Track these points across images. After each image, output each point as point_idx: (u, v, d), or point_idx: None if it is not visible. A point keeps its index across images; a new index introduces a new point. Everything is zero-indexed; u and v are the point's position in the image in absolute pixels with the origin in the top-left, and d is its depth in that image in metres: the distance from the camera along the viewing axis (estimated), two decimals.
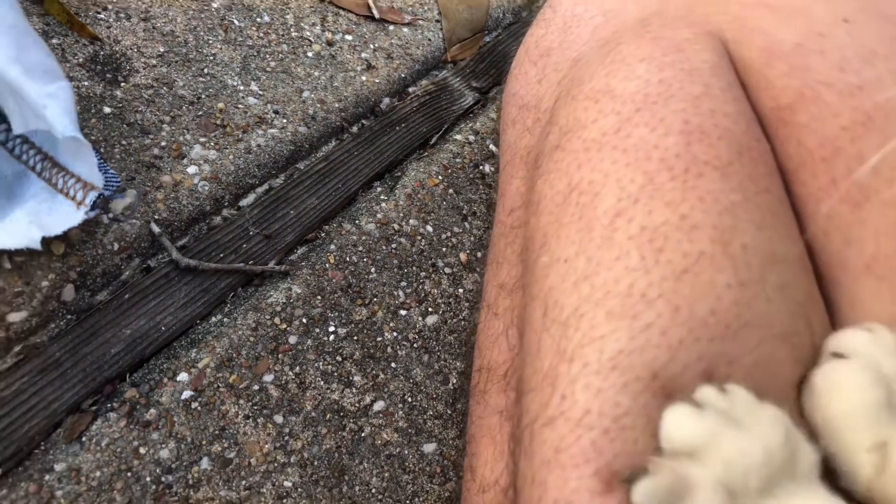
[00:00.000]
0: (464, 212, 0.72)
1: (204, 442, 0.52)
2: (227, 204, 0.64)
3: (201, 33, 0.71)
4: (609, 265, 0.40)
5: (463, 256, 0.69)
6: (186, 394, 0.53)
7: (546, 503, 0.35)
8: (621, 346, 0.36)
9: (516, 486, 0.42)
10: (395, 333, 0.62)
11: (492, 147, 0.78)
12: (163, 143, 0.63)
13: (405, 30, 0.84)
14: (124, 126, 0.62)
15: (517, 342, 0.53)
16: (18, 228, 0.49)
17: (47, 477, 0.47)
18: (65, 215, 0.51)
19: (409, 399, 0.60)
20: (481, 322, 0.60)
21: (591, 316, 0.39)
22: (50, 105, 0.49)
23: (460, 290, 0.67)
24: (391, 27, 0.83)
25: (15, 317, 0.52)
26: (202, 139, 0.65)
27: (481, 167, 0.76)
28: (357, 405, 0.57)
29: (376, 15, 0.81)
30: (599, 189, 0.45)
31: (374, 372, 0.59)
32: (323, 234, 0.66)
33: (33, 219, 0.50)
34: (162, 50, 0.68)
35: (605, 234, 0.42)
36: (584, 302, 0.39)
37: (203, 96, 0.67)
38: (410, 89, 0.81)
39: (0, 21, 0.50)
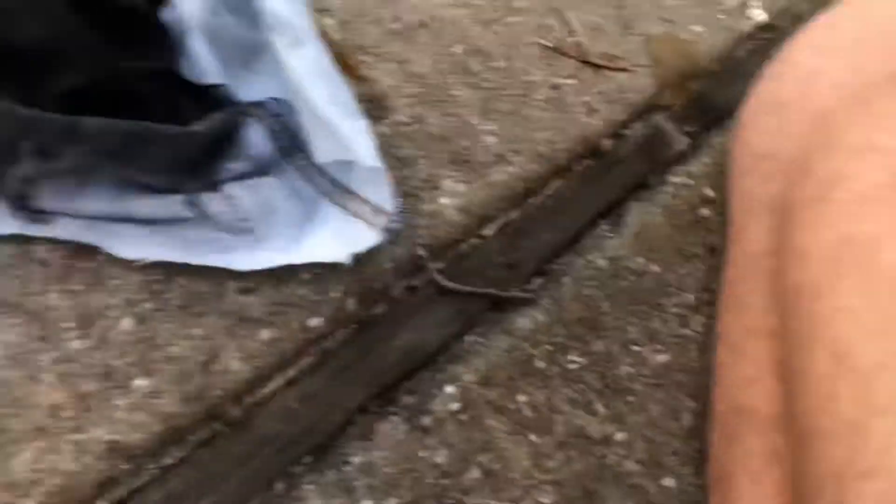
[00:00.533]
0: (686, 254, 0.80)
1: (472, 452, 0.61)
2: (473, 234, 0.74)
3: (447, 76, 0.83)
4: None
5: (689, 297, 0.77)
6: (454, 405, 0.63)
7: None
8: None
9: None
10: (630, 368, 0.70)
11: (708, 191, 0.86)
12: (421, 176, 0.75)
13: (621, 76, 0.93)
14: (390, 159, 0.74)
15: (780, 387, 0.59)
16: (328, 245, 0.61)
17: (347, 468, 0.58)
18: (362, 236, 0.62)
19: (647, 433, 0.67)
20: (723, 364, 0.67)
21: None
22: (357, 139, 0.61)
23: (687, 331, 0.75)
24: (609, 73, 0.93)
25: (313, 322, 0.63)
26: (453, 173, 0.76)
27: (698, 210, 0.84)
28: (601, 433, 0.66)
29: (597, 62, 0.91)
30: (880, 241, 0.50)
31: (613, 403, 0.68)
32: (556, 267, 0.75)
33: (339, 238, 0.61)
34: (416, 91, 0.80)
35: (894, 288, 0.47)
36: (886, 355, 0.43)
37: (451, 134, 0.79)
38: (627, 132, 0.90)
39: (317, 67, 0.62)
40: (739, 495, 0.57)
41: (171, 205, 0.59)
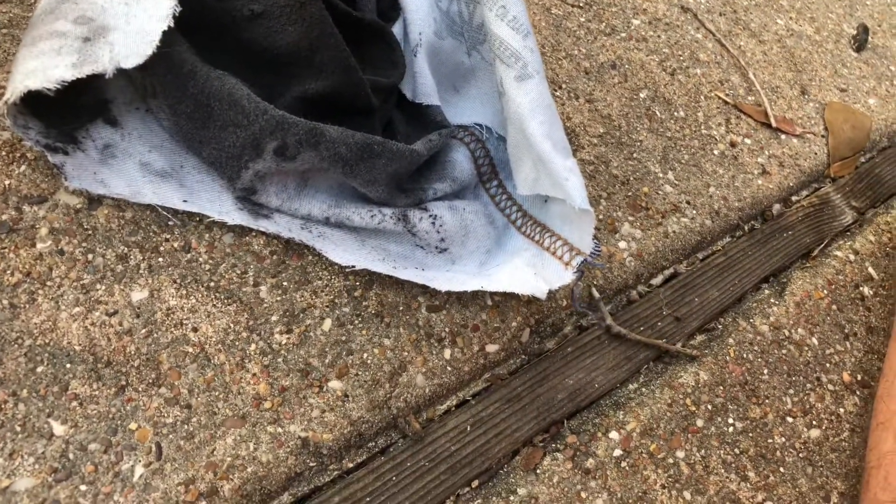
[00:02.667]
0: (846, 331, 0.72)
1: (630, 500, 0.56)
2: (643, 281, 0.69)
3: (632, 119, 0.77)
4: None
5: (846, 376, 0.69)
6: (617, 452, 0.57)
7: None
8: None
9: None
10: (783, 439, 0.63)
11: (871, 270, 0.78)
12: (601, 216, 0.69)
13: (795, 140, 0.85)
14: None
15: None
16: (525, 276, 0.56)
17: (512, 498, 0.53)
18: (556, 273, 0.57)
19: None
20: (887, 453, 0.60)
21: None
22: (570, 179, 0.56)
23: (842, 410, 0.67)
24: (783, 136, 0.85)
25: (491, 348, 0.59)
26: (630, 218, 0.70)
27: (861, 288, 0.76)
28: (750, 500, 0.59)
29: (773, 124, 0.84)
30: None
31: (765, 472, 0.61)
32: (720, 326, 0.69)
33: (537, 270, 0.57)
34: (601, 131, 0.75)
35: None
36: None
37: (631, 178, 0.73)
38: (794, 198, 0.82)
39: (540, 101, 0.57)
40: None
41: (383, 217, 0.56)
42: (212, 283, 0.52)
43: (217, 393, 0.49)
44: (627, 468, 0.57)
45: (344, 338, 0.54)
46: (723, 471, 0.60)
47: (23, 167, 0.51)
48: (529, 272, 0.57)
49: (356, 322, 0.55)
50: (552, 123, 0.57)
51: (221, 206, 0.54)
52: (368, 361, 0.54)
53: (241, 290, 0.53)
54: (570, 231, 0.58)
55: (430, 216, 0.57)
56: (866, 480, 0.61)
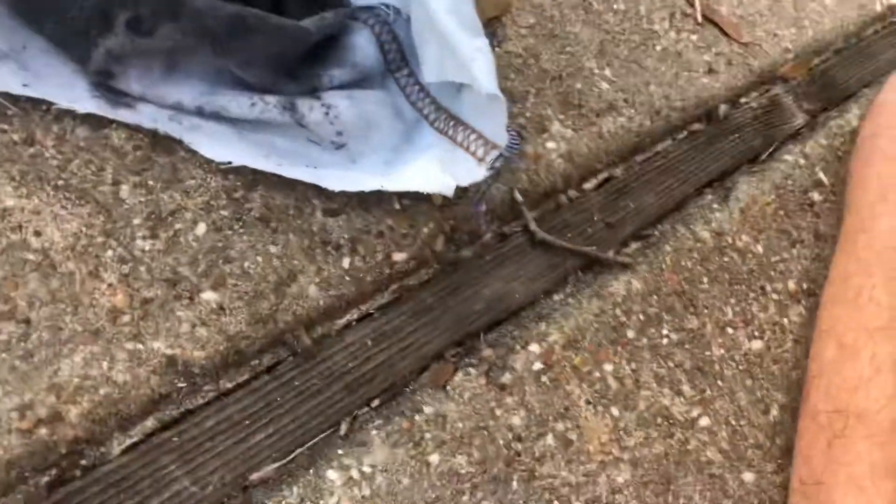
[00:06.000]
0: (792, 237, 0.67)
1: (550, 418, 0.50)
2: (574, 185, 0.62)
3: (566, 10, 0.69)
4: None
5: (791, 285, 0.64)
6: (537, 365, 0.52)
7: None
8: None
9: None
10: (722, 351, 0.58)
11: (821, 175, 0.72)
12: (528, 114, 0.62)
13: (745, 37, 0.78)
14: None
15: None
16: (431, 174, 0.49)
17: (417, 417, 0.47)
18: (467, 169, 0.50)
19: (733, 422, 0.56)
20: (828, 362, 0.55)
21: None
22: (478, 59, 0.48)
23: (785, 320, 0.62)
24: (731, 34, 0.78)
25: (398, 256, 0.52)
26: (561, 116, 0.63)
27: (810, 194, 0.70)
28: (685, 416, 0.54)
29: (698, 18, 0.76)
30: None
31: (701, 386, 0.56)
32: (657, 233, 0.63)
33: (445, 167, 0.49)
34: (531, 21, 0.67)
35: None
36: None
37: (564, 74, 0.65)
38: (743, 99, 0.75)
39: None
40: (837, 501, 0.47)
41: (265, 106, 0.48)
42: (60, 182, 0.44)
43: (64, 306, 0.41)
44: (548, 383, 0.51)
45: (221, 244, 0.47)
46: (655, 385, 0.54)
47: None
48: (437, 169, 0.49)
49: (236, 227, 0.47)
50: None
51: (72, 93, 0.46)
52: (250, 271, 0.47)
53: (97, 190, 0.45)
54: (484, 123, 0.51)
55: (324, 105, 0.49)
56: (807, 391, 0.56)
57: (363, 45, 0.53)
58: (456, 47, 0.48)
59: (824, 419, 0.52)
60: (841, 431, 0.50)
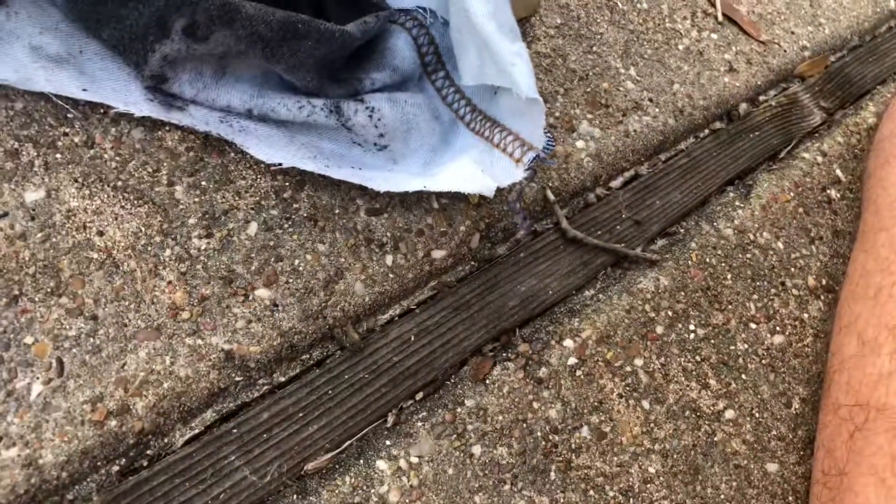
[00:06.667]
0: (811, 234, 0.68)
1: (585, 411, 0.52)
2: (601, 183, 0.63)
3: (591, 10, 0.70)
4: None
5: (811, 281, 0.65)
6: (572, 360, 0.53)
7: None
8: None
9: None
10: (745, 346, 0.59)
11: (838, 172, 0.73)
12: (557, 114, 0.63)
13: (763, 36, 0.79)
14: None
15: None
16: (471, 174, 0.50)
17: (459, 410, 0.49)
18: (505, 170, 0.51)
19: (757, 414, 0.57)
20: (849, 357, 0.57)
21: None
22: (517, 64, 0.49)
23: (805, 315, 0.63)
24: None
25: (437, 254, 0.53)
26: (589, 115, 0.64)
27: (828, 191, 0.71)
28: (711, 408, 0.56)
29: (719, 17, 0.77)
30: None
31: (727, 379, 0.57)
32: (682, 230, 0.64)
33: (485, 168, 0.50)
34: (559, 21, 0.67)
35: None
36: None
37: (590, 73, 0.66)
38: (762, 98, 0.76)
39: None
40: (857, 493, 0.48)
41: (312, 108, 0.49)
42: (119, 183, 0.45)
43: (127, 303, 0.43)
44: (582, 377, 0.53)
45: (272, 243, 0.48)
46: (683, 379, 0.56)
47: None
48: (476, 170, 0.50)
49: (286, 226, 0.48)
50: (498, 2, 0.49)
51: (128, 97, 0.47)
52: (300, 268, 0.48)
53: (154, 191, 0.46)
54: (521, 125, 0.52)
55: (367, 108, 0.50)
56: (827, 386, 0.57)
57: (401, 48, 0.54)
58: (496, 52, 0.49)
59: (846, 412, 0.54)
60: (862, 424, 0.52)
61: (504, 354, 0.52)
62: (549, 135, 0.53)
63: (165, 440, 0.41)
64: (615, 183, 0.64)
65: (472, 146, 0.53)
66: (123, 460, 0.40)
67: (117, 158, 0.46)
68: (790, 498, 0.55)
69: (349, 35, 0.49)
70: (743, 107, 0.74)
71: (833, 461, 0.53)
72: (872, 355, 0.55)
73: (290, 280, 0.47)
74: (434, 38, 0.57)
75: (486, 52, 0.50)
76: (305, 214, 0.49)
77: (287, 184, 0.50)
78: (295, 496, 0.42)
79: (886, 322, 0.55)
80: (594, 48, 0.68)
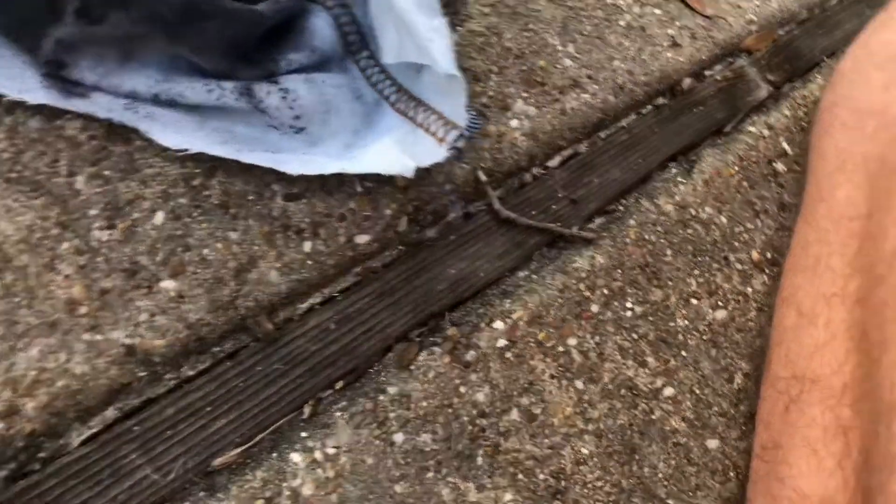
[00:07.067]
0: (756, 208, 0.66)
1: (515, 393, 0.50)
2: (538, 162, 0.61)
3: None
4: None
5: (754, 255, 0.63)
6: (501, 342, 0.51)
7: None
8: None
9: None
10: (686, 322, 0.58)
11: (785, 145, 0.71)
12: (490, 93, 0.60)
13: (709, 10, 0.77)
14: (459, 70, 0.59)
15: (858, 357, 0.47)
16: (391, 155, 0.48)
17: (381, 398, 0.47)
18: (428, 150, 0.49)
19: (697, 391, 0.55)
20: (788, 328, 0.55)
21: None
22: (435, 40, 0.47)
23: (749, 290, 0.61)
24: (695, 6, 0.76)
25: (361, 239, 0.51)
26: (524, 94, 0.62)
27: (774, 164, 0.69)
28: (649, 387, 0.54)
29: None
30: None
31: (665, 357, 0.55)
32: (622, 208, 0.62)
33: (405, 148, 0.48)
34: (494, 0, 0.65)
35: None
36: None
37: (527, 51, 0.64)
38: (707, 72, 0.74)
39: None
40: (792, 465, 0.47)
41: (222, 91, 0.46)
42: (13, 175, 0.43)
43: (19, 299, 0.40)
44: (512, 359, 0.51)
45: (180, 232, 0.45)
46: (619, 357, 0.54)
47: None
48: (396, 150, 0.48)
49: (195, 214, 0.46)
50: None
51: (23, 84, 0.44)
52: (210, 258, 0.46)
53: (51, 182, 0.44)
54: (444, 104, 0.50)
55: (281, 90, 0.48)
56: (769, 358, 0.55)
57: (321, 28, 0.52)
58: (413, 28, 0.47)
59: (783, 385, 0.52)
60: (798, 396, 0.50)
61: (431, 339, 0.50)
62: (472, 113, 0.50)
63: (60, 441, 0.39)
64: (553, 162, 0.62)
65: (396, 127, 0.51)
66: (13, 464, 0.38)
67: (11, 149, 0.43)
68: (731, 474, 0.53)
69: (259, 15, 0.46)
70: (687, 82, 0.71)
71: (770, 435, 0.51)
72: (810, 326, 0.54)
73: (199, 270, 0.45)
74: (356, 18, 0.54)
75: (404, 28, 0.48)
76: (217, 202, 0.47)
77: (198, 170, 0.47)
78: (202, 493, 0.40)
79: (823, 292, 0.54)
80: (530, 25, 0.65)
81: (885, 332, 0.46)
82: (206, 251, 0.46)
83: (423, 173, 0.54)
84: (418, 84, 0.52)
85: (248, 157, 0.47)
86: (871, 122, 0.56)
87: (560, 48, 0.66)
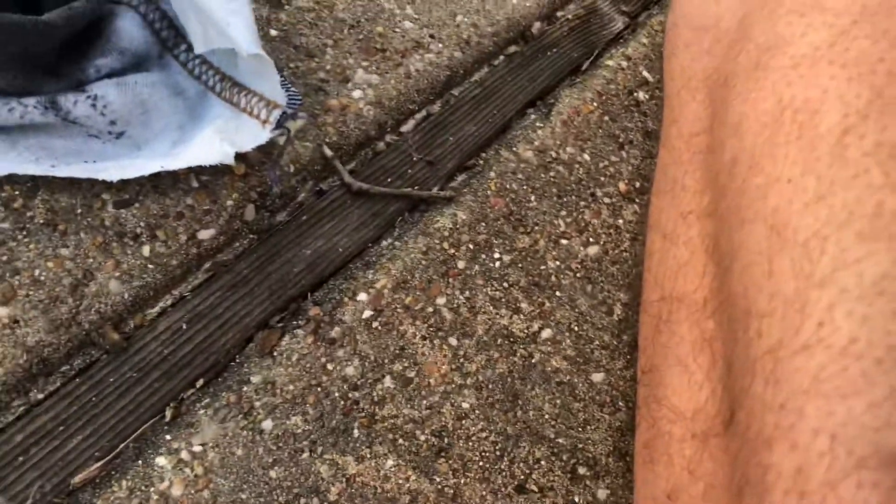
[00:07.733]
0: (620, 140, 0.68)
1: (386, 361, 0.51)
2: (389, 129, 0.62)
3: None
4: (846, 184, 0.37)
5: (622, 186, 0.65)
6: (367, 313, 0.52)
7: (802, 432, 0.32)
8: (884, 271, 0.33)
9: (741, 412, 0.39)
10: (557, 262, 0.59)
11: (645, 73, 0.73)
12: (328, 67, 0.61)
13: None
14: (291, 49, 0.60)
15: (713, 269, 0.49)
16: (212, 145, 0.48)
17: (245, 388, 0.47)
18: (252, 133, 0.49)
19: (576, 328, 0.57)
20: (654, 252, 0.57)
21: (837, 238, 0.36)
22: (233, 22, 0.47)
23: (620, 221, 0.63)
24: None
25: (204, 234, 0.51)
26: (364, 63, 0.62)
27: (635, 94, 0.71)
28: (526, 332, 0.55)
29: None
30: (819, 106, 0.41)
31: (539, 300, 0.57)
32: (482, 162, 0.63)
33: (224, 136, 0.48)
34: None
35: (835, 151, 0.39)
36: (825, 224, 0.36)
37: (362, 20, 0.64)
38: (559, 13, 0.76)
39: None
40: (667, 385, 0.49)
41: (24, 109, 0.46)
42: None
43: None
44: (380, 328, 0.51)
45: (5, 257, 0.45)
46: (491, 308, 0.55)
47: None
48: (217, 139, 0.48)
49: (20, 237, 0.46)
50: None
51: None
52: (42, 278, 0.45)
53: None
54: (262, 84, 0.50)
55: (89, 97, 0.48)
56: (642, 286, 0.57)
57: (129, 29, 0.51)
58: (211, 14, 0.47)
59: (654, 309, 0.54)
60: (668, 317, 0.52)
61: (294, 323, 0.51)
62: (292, 90, 0.51)
63: None
64: (406, 127, 0.63)
65: (220, 115, 0.51)
66: None
67: None
68: (620, 403, 0.55)
69: (47, 25, 0.46)
70: (537, 26, 0.73)
71: (647, 358, 0.53)
72: (672, 247, 0.55)
73: (31, 292, 0.45)
74: (167, 13, 0.54)
75: (203, 15, 0.48)
76: (42, 221, 0.47)
77: (17, 192, 0.47)
78: None
79: (682, 211, 0.56)
80: None
81: (732, 240, 0.48)
82: (37, 272, 0.45)
83: (264, 158, 0.54)
84: (237, 69, 0.52)
85: (63, 172, 0.47)
86: (707, 36, 0.58)
87: (398, 11, 0.66)
